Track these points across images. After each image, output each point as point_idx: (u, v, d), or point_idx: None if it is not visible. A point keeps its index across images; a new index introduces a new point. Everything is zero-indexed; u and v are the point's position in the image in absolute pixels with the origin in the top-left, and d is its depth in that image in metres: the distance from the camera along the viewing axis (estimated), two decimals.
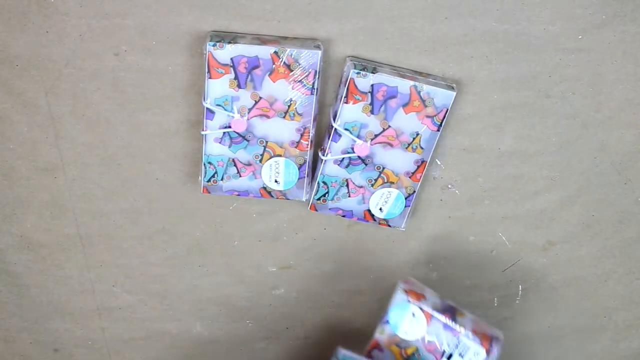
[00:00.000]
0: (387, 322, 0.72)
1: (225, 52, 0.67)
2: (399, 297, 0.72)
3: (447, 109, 0.71)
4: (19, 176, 0.76)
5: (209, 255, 0.82)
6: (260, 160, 0.73)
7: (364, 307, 0.87)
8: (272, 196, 0.75)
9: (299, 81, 0.69)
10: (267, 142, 0.72)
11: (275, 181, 0.74)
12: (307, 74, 0.68)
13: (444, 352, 0.71)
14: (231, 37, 0.67)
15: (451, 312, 0.72)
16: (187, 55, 0.70)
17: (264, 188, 0.74)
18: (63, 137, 0.74)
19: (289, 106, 0.70)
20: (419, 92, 0.69)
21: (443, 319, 0.71)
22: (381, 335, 0.73)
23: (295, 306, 0.86)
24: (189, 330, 0.88)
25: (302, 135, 0.71)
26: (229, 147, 0.72)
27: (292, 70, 0.68)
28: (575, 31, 0.70)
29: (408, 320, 0.71)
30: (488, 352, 0.70)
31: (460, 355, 0.70)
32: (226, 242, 0.81)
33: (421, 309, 0.71)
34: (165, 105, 0.73)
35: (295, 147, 0.72)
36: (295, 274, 0.84)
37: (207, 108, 0.70)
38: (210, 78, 0.68)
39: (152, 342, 0.89)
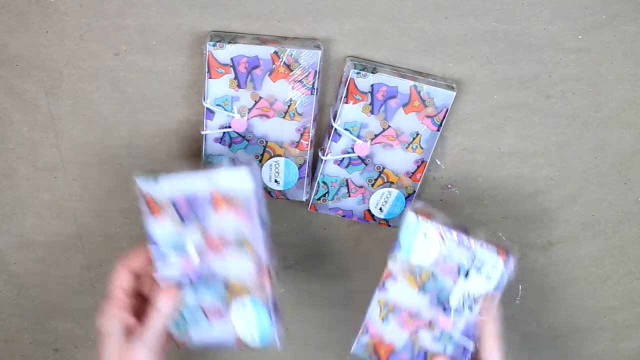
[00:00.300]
0: (399, 247, 0.68)
1: (225, 52, 0.67)
2: (409, 218, 0.68)
3: (447, 109, 0.71)
4: (19, 176, 0.76)
5: None
6: (260, 160, 0.73)
7: (364, 307, 0.87)
8: (272, 196, 0.75)
9: (299, 81, 0.69)
10: (267, 142, 0.72)
11: (275, 181, 0.74)
12: (307, 74, 0.68)
13: (459, 269, 0.68)
14: (231, 37, 0.67)
15: (463, 228, 0.69)
16: (187, 55, 0.70)
17: (264, 188, 0.74)
18: (63, 137, 0.74)
19: (288, 106, 0.70)
20: (419, 92, 0.69)
21: (455, 234, 0.67)
22: (394, 264, 0.69)
23: (295, 306, 0.86)
24: None
25: (302, 135, 0.71)
26: (229, 146, 0.72)
27: (292, 70, 0.68)
28: (575, 31, 0.70)
29: (420, 242, 0.68)
30: (505, 262, 0.67)
31: (478, 269, 0.67)
32: None
33: (433, 227, 0.67)
34: (165, 105, 0.73)
35: (295, 147, 0.72)
36: (295, 274, 0.84)
37: (207, 108, 0.70)
38: (210, 78, 0.68)
39: None
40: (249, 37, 0.68)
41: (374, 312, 0.71)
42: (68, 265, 0.82)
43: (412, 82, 0.69)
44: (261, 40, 0.68)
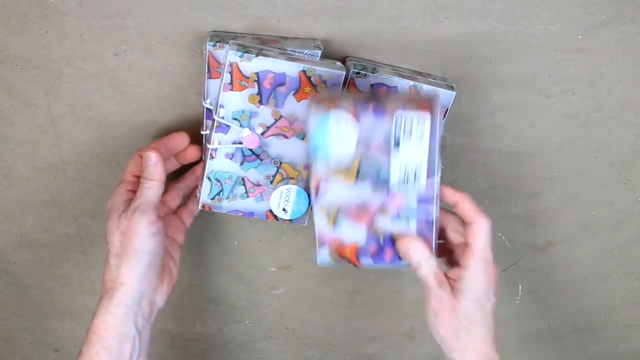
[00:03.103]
0: (315, 147, 0.63)
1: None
2: (313, 111, 0.63)
3: (447, 109, 0.71)
4: (19, 176, 0.76)
5: (209, 255, 0.82)
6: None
7: (364, 307, 0.87)
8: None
9: None
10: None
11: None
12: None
13: (388, 142, 0.63)
14: (231, 37, 0.67)
15: (375, 97, 0.64)
16: (187, 55, 0.70)
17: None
18: (63, 137, 0.74)
19: None
20: (418, 92, 0.69)
21: (370, 108, 0.62)
22: (318, 166, 0.64)
23: (295, 306, 0.86)
24: (189, 330, 0.88)
25: None
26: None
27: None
28: (575, 31, 0.70)
29: (334, 133, 0.63)
30: (432, 113, 0.63)
31: (406, 134, 0.63)
32: (226, 242, 0.81)
33: (342, 112, 0.62)
34: (165, 105, 0.73)
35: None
36: (295, 274, 0.84)
37: (207, 108, 0.70)
38: (210, 78, 0.68)
39: (152, 342, 0.89)
40: (248, 37, 0.68)
41: (321, 222, 0.66)
42: (68, 265, 0.82)
43: (411, 82, 0.69)
44: (261, 40, 0.68)
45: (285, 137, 0.69)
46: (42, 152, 0.75)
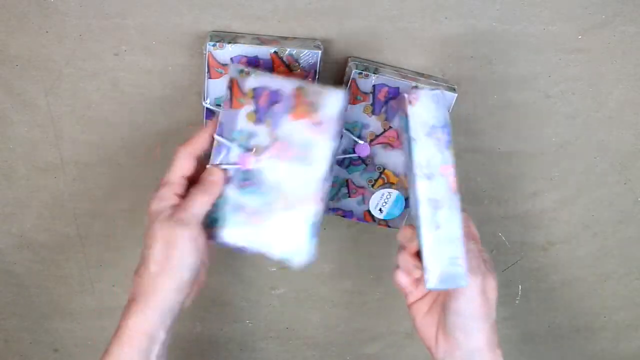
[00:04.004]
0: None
1: (225, 52, 0.67)
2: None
3: (449, 110, 0.71)
4: (19, 176, 0.76)
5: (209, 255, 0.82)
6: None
7: (364, 307, 0.87)
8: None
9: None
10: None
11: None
12: (306, 73, 0.68)
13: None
14: (231, 37, 0.67)
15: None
16: (187, 55, 0.70)
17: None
18: (63, 137, 0.74)
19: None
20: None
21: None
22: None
23: (295, 306, 0.86)
24: (189, 331, 0.88)
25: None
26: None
27: (292, 70, 0.68)
28: (575, 31, 0.70)
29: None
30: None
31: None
32: None
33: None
34: (165, 105, 0.73)
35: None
36: (295, 274, 0.84)
37: (207, 108, 0.70)
38: (210, 78, 0.68)
39: None
40: (248, 37, 0.68)
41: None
42: (68, 265, 0.82)
43: (413, 84, 0.69)
44: (261, 40, 0.68)
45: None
46: (42, 152, 0.75)
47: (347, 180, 0.74)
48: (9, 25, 0.67)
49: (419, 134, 0.62)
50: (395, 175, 0.74)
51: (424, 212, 0.61)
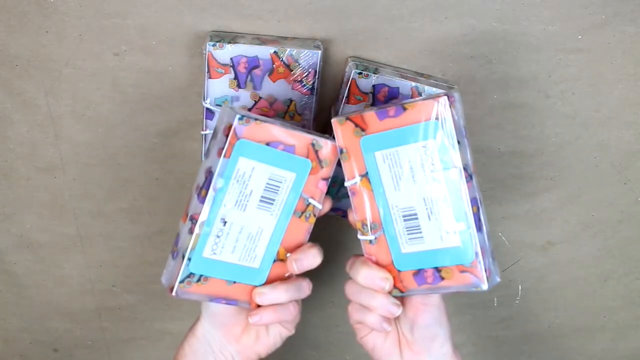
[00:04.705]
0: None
1: (225, 52, 0.67)
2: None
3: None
4: (19, 176, 0.76)
5: None
6: None
7: None
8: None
9: (298, 81, 0.69)
10: None
11: None
12: (306, 73, 0.68)
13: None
14: (231, 37, 0.67)
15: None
16: (187, 55, 0.70)
17: None
18: (63, 137, 0.74)
19: (288, 106, 0.70)
20: (420, 94, 0.69)
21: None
22: None
23: None
24: None
25: None
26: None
27: (292, 70, 0.68)
28: (575, 31, 0.70)
29: None
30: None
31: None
32: None
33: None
34: (165, 105, 0.73)
35: None
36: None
37: (207, 108, 0.70)
38: (210, 78, 0.68)
39: (152, 342, 0.89)
40: (249, 37, 0.68)
41: None
42: (68, 265, 0.82)
43: (413, 84, 0.69)
44: (261, 40, 0.68)
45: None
46: (42, 152, 0.75)
47: None
48: (9, 25, 0.67)
49: (462, 135, 0.62)
50: None
51: (470, 212, 0.61)
